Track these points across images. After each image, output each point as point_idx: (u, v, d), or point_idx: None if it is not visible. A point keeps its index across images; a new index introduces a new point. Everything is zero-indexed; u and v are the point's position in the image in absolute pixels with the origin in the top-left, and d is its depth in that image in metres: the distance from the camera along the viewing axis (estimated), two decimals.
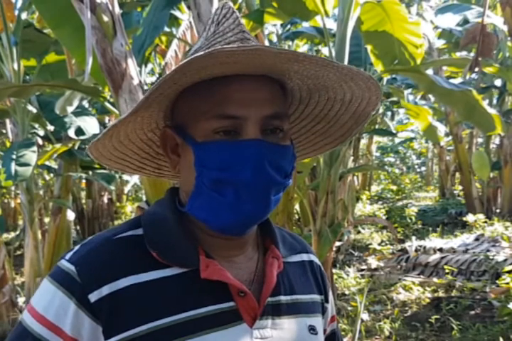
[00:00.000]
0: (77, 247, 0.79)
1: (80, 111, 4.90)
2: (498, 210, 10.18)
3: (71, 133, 4.66)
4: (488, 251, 6.09)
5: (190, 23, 4.99)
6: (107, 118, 8.37)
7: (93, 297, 0.73)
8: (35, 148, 4.36)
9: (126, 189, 12.78)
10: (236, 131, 0.75)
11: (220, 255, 0.81)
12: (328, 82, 0.80)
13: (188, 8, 4.66)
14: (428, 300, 5.11)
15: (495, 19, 6.63)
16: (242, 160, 0.74)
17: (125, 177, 9.15)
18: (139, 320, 0.73)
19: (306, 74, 0.79)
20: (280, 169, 0.77)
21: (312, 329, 0.85)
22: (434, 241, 7.27)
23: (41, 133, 6.41)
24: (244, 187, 0.74)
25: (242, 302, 0.78)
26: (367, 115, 0.87)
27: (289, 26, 9.63)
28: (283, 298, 0.84)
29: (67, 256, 0.78)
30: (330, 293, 0.98)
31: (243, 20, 0.81)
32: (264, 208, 0.77)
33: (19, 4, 5.30)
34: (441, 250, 6.43)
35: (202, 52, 0.68)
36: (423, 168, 24.83)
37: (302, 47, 11.14)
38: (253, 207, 0.75)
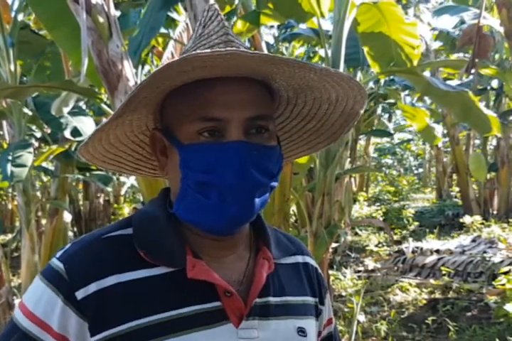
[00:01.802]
0: (68, 246, 0.81)
1: (77, 112, 4.88)
2: (494, 212, 10.21)
3: (67, 133, 4.64)
4: (484, 252, 6.11)
5: (186, 24, 4.98)
6: (104, 120, 8.36)
7: (80, 294, 0.74)
8: (31, 149, 4.35)
9: (123, 190, 12.74)
10: (220, 132, 0.75)
11: (210, 255, 0.81)
12: (311, 82, 0.80)
13: (185, 9, 4.65)
14: (425, 302, 5.12)
15: (491, 21, 6.64)
16: (225, 162, 0.74)
17: (122, 178, 9.12)
18: (123, 317, 0.74)
19: (288, 75, 0.79)
20: (265, 170, 0.76)
21: (301, 332, 0.85)
22: (431, 242, 7.29)
23: (38, 134, 6.39)
24: (228, 190, 0.74)
25: (228, 302, 0.78)
26: (356, 113, 0.87)
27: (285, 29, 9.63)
28: (272, 299, 0.83)
29: (58, 255, 0.79)
30: (327, 296, 0.97)
31: (227, 23, 0.81)
32: (248, 210, 0.76)
33: (16, 6, 5.30)
34: (438, 251, 6.44)
35: (178, 58, 0.69)
36: (420, 170, 24.93)
37: (299, 49, 11.14)
38: (237, 209, 0.75)
